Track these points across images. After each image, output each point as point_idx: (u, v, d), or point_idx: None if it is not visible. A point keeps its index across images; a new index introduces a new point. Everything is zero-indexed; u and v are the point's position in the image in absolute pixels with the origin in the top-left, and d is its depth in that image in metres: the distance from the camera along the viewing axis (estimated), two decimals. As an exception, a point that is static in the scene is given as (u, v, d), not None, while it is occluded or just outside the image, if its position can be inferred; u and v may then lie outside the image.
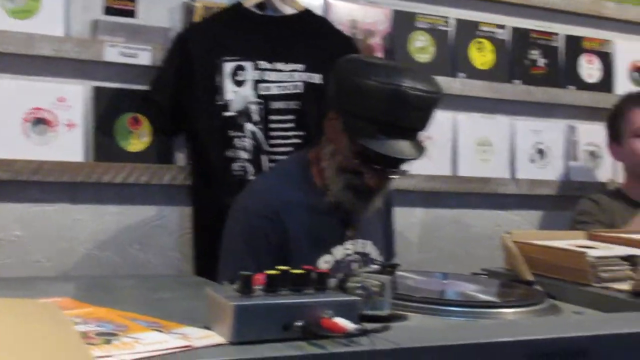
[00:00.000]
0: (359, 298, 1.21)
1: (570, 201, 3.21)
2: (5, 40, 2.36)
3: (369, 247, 2.25)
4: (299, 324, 1.12)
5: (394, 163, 2.04)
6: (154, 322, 1.15)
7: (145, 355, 0.98)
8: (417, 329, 1.31)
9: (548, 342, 1.27)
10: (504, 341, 1.25)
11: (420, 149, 2.05)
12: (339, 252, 2.17)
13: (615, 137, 3.02)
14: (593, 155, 3.38)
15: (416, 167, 2.96)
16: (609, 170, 3.39)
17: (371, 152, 1.98)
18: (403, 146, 1.99)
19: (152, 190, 2.60)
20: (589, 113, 3.36)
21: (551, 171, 3.29)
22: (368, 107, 1.96)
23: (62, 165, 2.44)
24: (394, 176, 2.10)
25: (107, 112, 2.53)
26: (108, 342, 1.03)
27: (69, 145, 2.47)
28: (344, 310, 1.16)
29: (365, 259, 2.21)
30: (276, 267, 1.19)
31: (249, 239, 2.10)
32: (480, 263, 2.13)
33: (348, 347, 1.10)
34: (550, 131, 3.30)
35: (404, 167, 2.10)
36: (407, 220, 3.04)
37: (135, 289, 1.65)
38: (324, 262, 2.12)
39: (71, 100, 2.48)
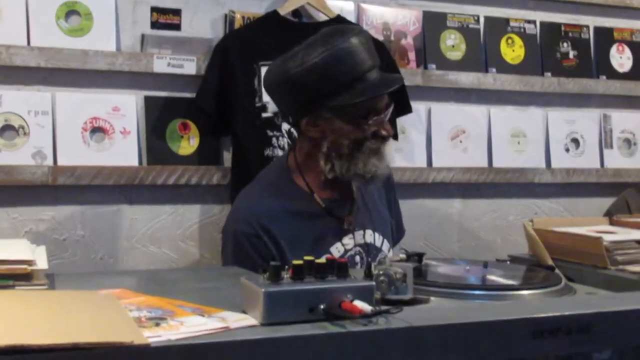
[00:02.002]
0: (374, 283, 1.35)
1: (606, 188, 3.31)
2: (64, 57, 2.55)
3: (370, 236, 2.25)
4: (322, 306, 1.26)
5: (384, 101, 2.11)
6: (197, 308, 1.32)
7: (188, 335, 1.15)
8: (431, 310, 1.44)
9: (553, 319, 1.37)
10: (511, 319, 1.35)
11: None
12: (337, 249, 2.17)
13: None
14: (628, 142, 3.46)
15: (453, 160, 3.10)
16: (645, 157, 3.48)
17: (374, 98, 2.05)
18: (389, 77, 2.12)
19: (202, 190, 2.77)
20: (622, 101, 3.45)
21: (587, 160, 3.37)
22: (344, 71, 2.02)
23: (119, 169, 2.62)
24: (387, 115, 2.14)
25: (158, 119, 2.71)
26: (157, 325, 1.19)
27: (124, 150, 2.65)
28: (362, 294, 1.29)
29: (367, 249, 2.22)
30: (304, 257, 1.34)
31: (240, 260, 2.07)
32: (518, 250, 2.24)
33: (365, 327, 1.24)
34: (584, 120, 3.38)
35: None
36: (445, 211, 3.17)
37: (183, 280, 1.80)
38: None
39: (125, 109, 2.66)
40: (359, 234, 2.22)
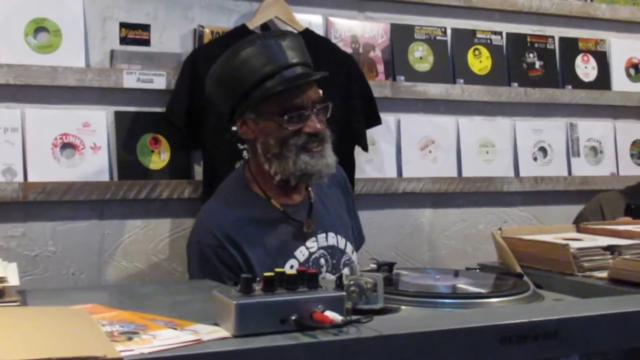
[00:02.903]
0: (344, 293, 1.37)
1: (574, 195, 3.35)
2: (33, 74, 2.55)
3: (333, 239, 2.27)
4: (294, 317, 1.28)
5: (309, 98, 2.11)
6: (170, 322, 1.32)
7: (160, 349, 1.15)
8: (401, 318, 1.46)
9: (520, 325, 1.39)
10: (479, 326, 1.37)
11: (317, 72, 2.16)
12: (302, 253, 2.19)
13: None
14: (594, 150, 3.51)
15: (422, 171, 3.14)
16: (611, 165, 3.52)
17: (283, 93, 2.08)
18: (305, 73, 2.13)
19: (173, 204, 2.78)
20: (588, 110, 3.50)
21: (554, 168, 3.42)
22: (253, 72, 2.09)
23: (90, 185, 2.62)
24: (320, 116, 2.14)
25: (128, 134, 2.71)
26: (130, 339, 1.20)
27: (95, 166, 2.65)
28: (333, 304, 1.31)
29: (331, 251, 2.25)
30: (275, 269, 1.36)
31: (206, 272, 2.10)
32: (489, 259, 2.25)
33: (337, 336, 1.25)
34: (551, 130, 3.43)
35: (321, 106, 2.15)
36: (416, 221, 3.19)
37: (155, 294, 1.80)
38: (289, 267, 2.14)
39: (95, 125, 2.66)
40: (321, 236, 2.24)
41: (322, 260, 2.22)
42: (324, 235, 2.25)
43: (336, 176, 2.38)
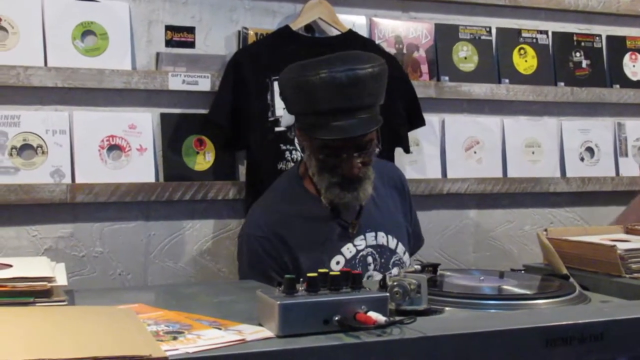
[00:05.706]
0: (387, 294, 1.37)
1: (622, 196, 3.30)
2: (80, 77, 2.58)
3: (383, 238, 2.30)
4: (337, 318, 1.28)
5: (351, 143, 2.11)
6: (214, 322, 1.34)
7: (205, 348, 1.17)
8: (445, 320, 1.46)
9: (566, 327, 1.39)
10: (524, 328, 1.37)
11: (372, 122, 2.11)
12: (349, 250, 2.24)
13: None
14: (643, 150, 3.46)
15: (467, 171, 3.12)
16: (661, 164, 3.47)
17: (325, 140, 2.10)
18: (352, 125, 2.07)
19: (218, 205, 2.79)
20: (637, 110, 3.44)
21: (602, 168, 3.37)
22: (308, 102, 2.08)
23: (136, 186, 2.64)
24: (361, 158, 2.15)
25: (174, 135, 2.73)
26: (175, 338, 1.21)
27: (141, 167, 2.68)
28: (376, 305, 1.32)
29: (380, 250, 2.28)
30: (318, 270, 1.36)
31: (253, 263, 2.22)
32: (535, 260, 2.25)
33: (380, 337, 1.26)
34: (599, 129, 3.38)
35: (369, 147, 2.16)
36: (461, 221, 3.17)
37: (200, 294, 1.82)
38: (335, 263, 2.21)
39: (141, 126, 2.68)
40: (370, 235, 2.28)
41: (370, 259, 2.26)
42: (373, 234, 2.28)
43: (393, 177, 2.45)
